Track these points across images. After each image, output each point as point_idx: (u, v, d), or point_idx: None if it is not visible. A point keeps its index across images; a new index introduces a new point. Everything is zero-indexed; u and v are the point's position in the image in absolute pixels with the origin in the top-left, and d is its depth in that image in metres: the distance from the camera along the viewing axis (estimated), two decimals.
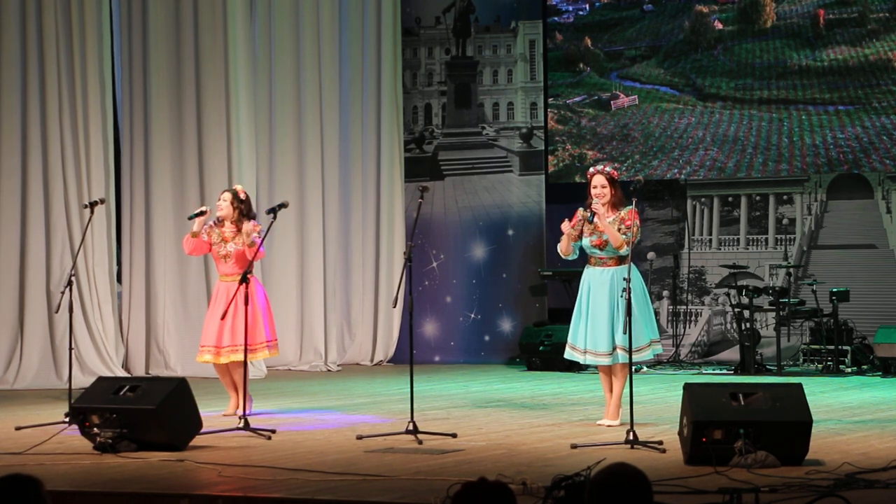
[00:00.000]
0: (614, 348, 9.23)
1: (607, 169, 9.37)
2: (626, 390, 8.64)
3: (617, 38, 15.38)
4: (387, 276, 15.58)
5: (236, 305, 9.72)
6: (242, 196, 10.28)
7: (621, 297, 8.78)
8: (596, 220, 9.24)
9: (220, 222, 10.24)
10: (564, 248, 9.41)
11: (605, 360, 9.30)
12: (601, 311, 9.27)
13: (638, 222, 9.28)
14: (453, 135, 16.06)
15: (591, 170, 9.44)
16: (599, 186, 9.28)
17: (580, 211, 9.41)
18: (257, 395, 10.64)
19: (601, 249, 9.31)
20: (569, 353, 9.54)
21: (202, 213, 10.21)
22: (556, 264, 15.34)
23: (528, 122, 15.70)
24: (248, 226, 10.07)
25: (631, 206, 9.20)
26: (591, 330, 9.31)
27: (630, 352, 8.80)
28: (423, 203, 9.73)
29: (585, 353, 9.37)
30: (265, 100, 14.87)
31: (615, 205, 9.29)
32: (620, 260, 9.24)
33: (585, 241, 9.35)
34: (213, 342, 10.06)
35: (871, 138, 14.15)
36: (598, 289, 9.30)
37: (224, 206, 10.19)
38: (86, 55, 13.25)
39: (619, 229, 9.21)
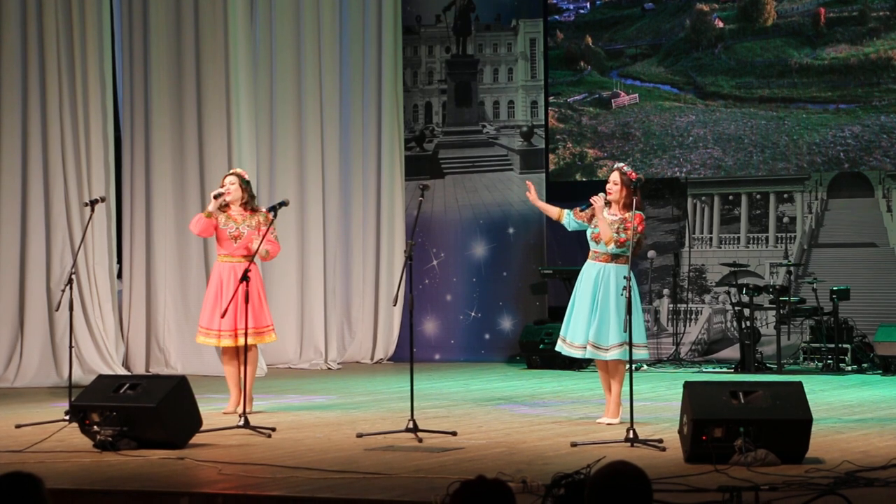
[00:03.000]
0: (589, 343, 9.31)
1: (625, 168, 9.43)
2: (626, 388, 8.64)
3: (618, 36, 15.38)
4: (387, 275, 15.58)
5: (236, 302, 9.73)
6: (246, 177, 10.39)
7: (621, 295, 8.81)
8: (593, 210, 9.33)
9: (225, 205, 10.26)
10: (555, 214, 9.63)
11: (579, 353, 9.40)
12: (583, 304, 9.35)
13: (639, 228, 9.25)
14: (454, 133, 16.06)
15: (615, 165, 9.57)
16: (612, 182, 9.38)
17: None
18: (257, 393, 10.63)
19: (597, 243, 9.38)
20: (558, 345, 9.60)
21: (222, 194, 10.27)
22: (556, 262, 15.35)
23: (529, 121, 15.70)
24: (265, 246, 10.05)
25: (639, 212, 9.24)
26: (573, 321, 9.40)
27: (607, 348, 8.99)
28: (424, 201, 9.74)
29: (566, 342, 9.44)
30: (266, 98, 14.87)
31: (626, 206, 9.33)
32: (612, 258, 9.30)
33: (588, 231, 9.44)
34: (229, 326, 10.02)
35: (871, 136, 14.15)
36: (586, 282, 9.40)
37: (233, 189, 10.24)
38: (86, 53, 13.24)
39: (618, 228, 9.26)
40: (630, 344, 8.68)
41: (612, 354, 9.24)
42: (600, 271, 9.33)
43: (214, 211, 10.22)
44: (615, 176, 9.40)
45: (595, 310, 9.28)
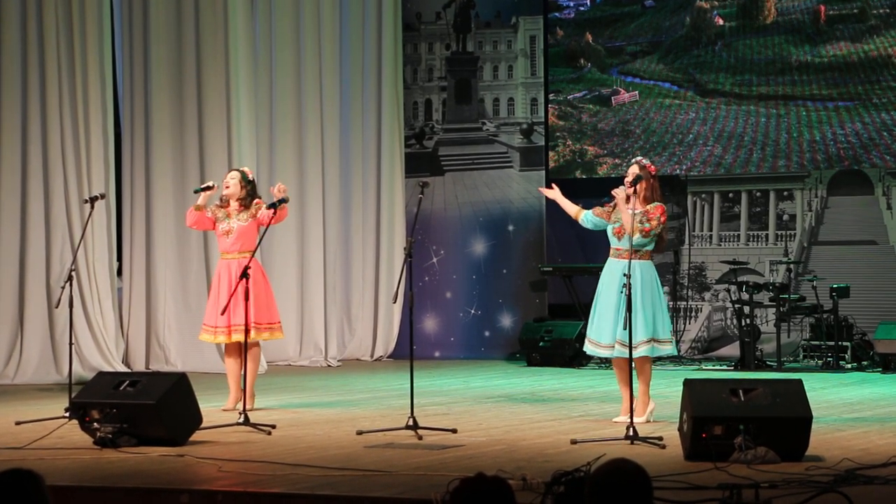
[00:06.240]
0: (617, 342, 9.23)
1: (644, 161, 9.39)
2: (626, 386, 8.64)
3: (618, 33, 15.38)
4: (387, 272, 15.58)
5: (237, 298, 9.73)
6: (250, 176, 10.35)
7: (621, 292, 8.79)
8: (617, 202, 9.29)
9: (225, 202, 10.26)
10: (573, 212, 9.61)
11: (606, 353, 9.33)
12: (608, 302, 9.28)
13: (661, 218, 9.24)
14: (453, 130, 16.06)
15: (634, 159, 9.54)
16: (630, 175, 9.30)
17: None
18: (258, 391, 10.62)
19: (618, 239, 9.31)
20: (585, 346, 9.51)
21: (209, 189, 10.27)
22: (556, 260, 15.36)
23: (529, 118, 15.69)
24: (264, 212, 10.06)
25: (658, 203, 9.23)
26: (598, 321, 9.34)
27: (627, 347, 8.86)
28: (424, 198, 9.72)
29: (592, 342, 9.38)
30: (266, 95, 14.87)
31: (646, 199, 9.30)
32: (634, 254, 9.16)
33: (609, 228, 9.38)
34: (224, 322, 10.03)
35: (871, 134, 14.15)
36: (610, 281, 9.29)
37: (232, 184, 10.24)
38: (86, 50, 13.23)
39: (641, 220, 9.20)
40: (630, 343, 8.66)
41: (641, 351, 9.17)
42: (623, 269, 9.24)
43: (205, 203, 10.25)
44: (633, 168, 9.35)
45: (620, 308, 9.20)
